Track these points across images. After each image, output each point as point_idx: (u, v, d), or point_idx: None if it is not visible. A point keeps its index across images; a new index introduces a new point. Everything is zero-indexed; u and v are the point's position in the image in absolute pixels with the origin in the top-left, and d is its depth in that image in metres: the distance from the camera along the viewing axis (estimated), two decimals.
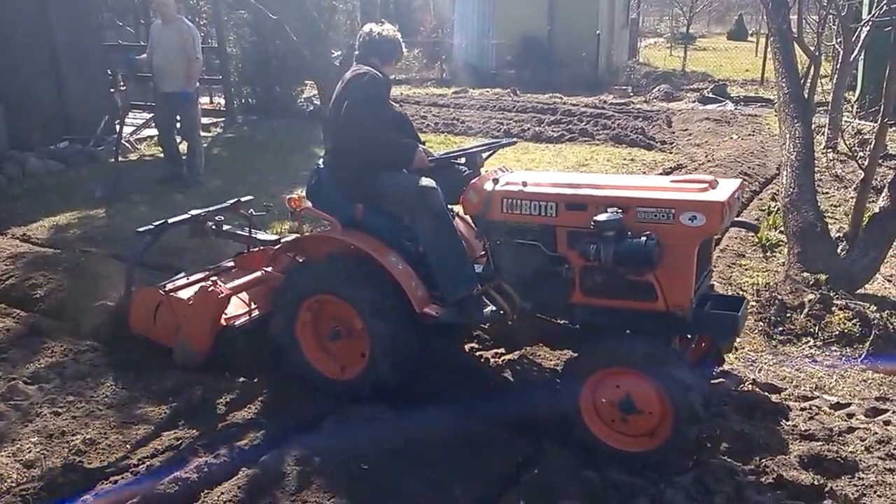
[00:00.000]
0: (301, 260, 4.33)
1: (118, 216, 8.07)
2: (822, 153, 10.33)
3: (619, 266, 3.38)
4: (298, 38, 6.62)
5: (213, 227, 5.16)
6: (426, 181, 3.99)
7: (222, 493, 3.25)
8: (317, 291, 4.12)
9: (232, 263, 5.05)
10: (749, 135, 12.34)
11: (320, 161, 4.33)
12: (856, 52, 10.46)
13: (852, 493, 3.30)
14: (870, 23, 9.73)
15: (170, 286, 4.67)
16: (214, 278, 4.53)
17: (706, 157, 10.58)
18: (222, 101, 14.22)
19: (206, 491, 3.30)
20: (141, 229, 4.94)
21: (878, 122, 5.54)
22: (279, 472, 3.38)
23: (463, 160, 4.32)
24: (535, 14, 20.29)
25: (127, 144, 11.12)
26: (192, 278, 4.80)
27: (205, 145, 12.05)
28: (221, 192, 8.93)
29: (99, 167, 9.49)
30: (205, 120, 13.45)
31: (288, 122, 13.37)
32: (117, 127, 10.05)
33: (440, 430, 3.65)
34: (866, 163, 5.64)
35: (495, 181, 3.81)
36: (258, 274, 4.62)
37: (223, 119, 13.61)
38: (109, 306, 4.92)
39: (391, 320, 3.89)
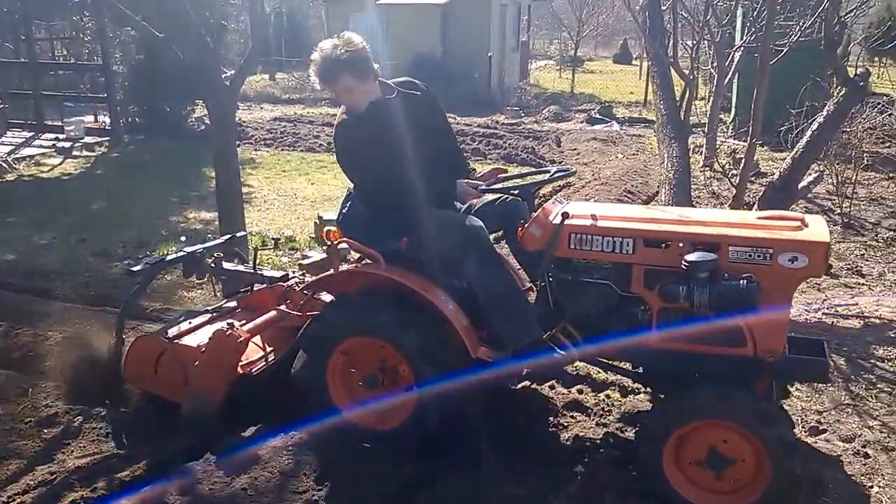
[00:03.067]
0: (332, 298, 3.83)
1: None
2: (700, 171, 10.87)
3: (715, 310, 3.15)
4: (186, 57, 6.43)
5: (213, 264, 4.68)
6: (472, 220, 3.62)
7: None
8: (355, 333, 3.67)
9: (234, 304, 4.54)
10: (633, 154, 12.85)
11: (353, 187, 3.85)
12: (729, 76, 11.09)
13: None
14: (741, 48, 10.36)
15: (172, 332, 4.17)
16: (230, 321, 4.03)
17: (593, 175, 10.94)
18: (107, 120, 13.69)
19: None
20: (134, 268, 4.44)
21: (748, 142, 5.89)
22: None
23: (516, 191, 3.83)
24: (428, 36, 20.54)
25: (3, 164, 10.55)
26: (196, 322, 4.29)
27: (88, 165, 11.63)
28: (107, 214, 8.62)
29: None
30: (88, 139, 12.97)
31: (177, 142, 13.01)
32: None
33: (326, 453, 3.58)
34: (737, 181, 5.98)
35: (564, 215, 3.44)
36: (273, 314, 4.13)
37: (108, 138, 13.10)
38: (98, 358, 4.39)
39: (443, 366, 3.48)
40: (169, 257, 4.61)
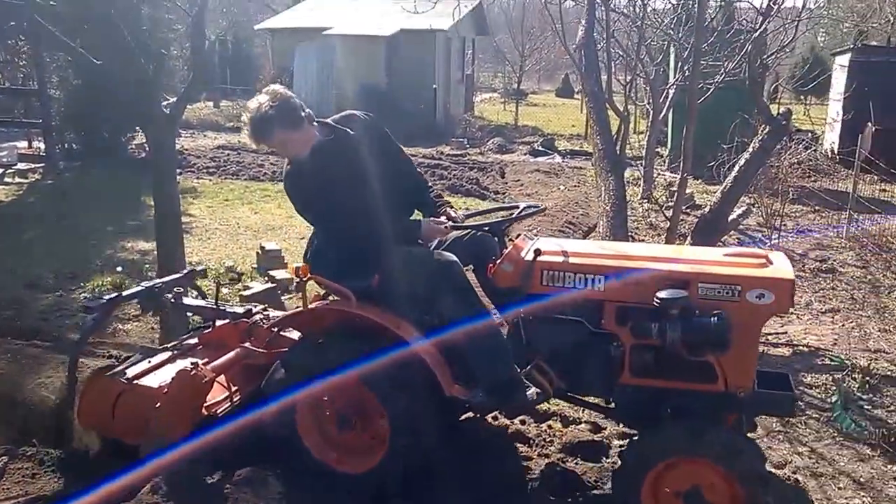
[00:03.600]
0: (299, 336, 3.77)
1: None
2: (639, 203, 11.16)
3: (687, 347, 3.16)
4: (125, 84, 6.36)
5: (173, 299, 4.47)
6: (445, 255, 3.58)
7: None
8: (327, 372, 3.53)
9: (195, 340, 4.34)
10: (575, 186, 13.11)
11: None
12: (663, 112, 11.47)
13: None
14: (674, 86, 10.74)
15: (131, 372, 3.93)
16: (194, 360, 3.87)
17: None
18: (42, 146, 13.38)
19: None
20: (90, 304, 4.24)
21: (680, 176, 6.09)
22: None
23: (485, 227, 3.82)
24: (374, 68, 20.71)
25: None
26: (155, 360, 4.06)
27: (20, 192, 11.33)
28: (39, 243, 8.38)
29: None
30: (21, 165, 12.65)
31: (115, 169, 12.75)
32: None
33: (284, 488, 3.49)
34: (671, 213, 6.16)
35: (537, 252, 3.47)
36: (238, 351, 3.96)
37: (42, 165, 12.79)
38: (51, 400, 4.17)
39: (418, 405, 3.45)
40: (126, 292, 4.41)
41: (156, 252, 6.94)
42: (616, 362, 3.40)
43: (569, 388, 3.62)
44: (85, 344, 4.35)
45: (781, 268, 3.35)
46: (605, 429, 4.47)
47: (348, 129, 3.70)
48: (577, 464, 4.06)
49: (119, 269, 7.19)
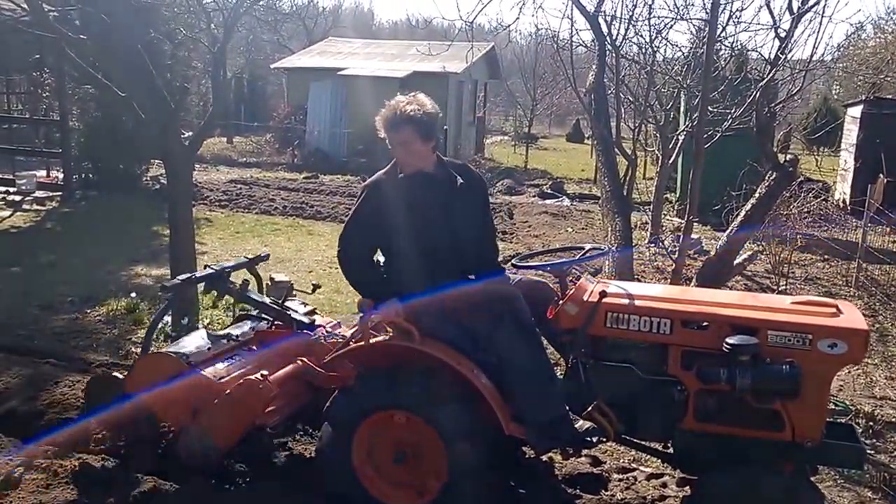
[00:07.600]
0: (362, 369, 3.76)
1: None
2: (646, 247, 11.23)
3: (757, 394, 3.15)
4: (147, 117, 6.55)
5: (240, 287, 4.52)
6: (508, 288, 3.65)
7: None
8: (387, 407, 3.60)
9: (251, 332, 4.43)
10: (582, 228, 13.22)
11: (381, 257, 3.84)
12: (672, 158, 11.60)
13: None
14: (684, 132, 10.89)
15: (193, 355, 3.92)
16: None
17: (543, 247, 11.23)
18: (60, 175, 13.65)
19: None
20: (168, 283, 4.39)
21: (685, 220, 6.18)
22: None
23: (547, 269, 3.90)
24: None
25: None
26: (217, 349, 4.09)
27: (38, 219, 11.53)
28: (55, 267, 8.52)
29: None
30: (39, 193, 12.89)
31: (131, 199, 12.97)
32: None
33: None
34: (676, 256, 6.24)
35: (602, 293, 3.45)
36: (296, 366, 3.99)
37: (59, 193, 13.04)
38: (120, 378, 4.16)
39: (478, 443, 3.46)
40: (199, 274, 4.52)
41: (170, 277, 7.06)
42: (679, 407, 3.38)
43: (627, 431, 3.57)
44: (162, 319, 4.49)
45: (853, 318, 3.31)
46: (604, 463, 4.51)
47: (459, 177, 3.79)
48: (576, 495, 4.10)
49: (133, 294, 7.30)
